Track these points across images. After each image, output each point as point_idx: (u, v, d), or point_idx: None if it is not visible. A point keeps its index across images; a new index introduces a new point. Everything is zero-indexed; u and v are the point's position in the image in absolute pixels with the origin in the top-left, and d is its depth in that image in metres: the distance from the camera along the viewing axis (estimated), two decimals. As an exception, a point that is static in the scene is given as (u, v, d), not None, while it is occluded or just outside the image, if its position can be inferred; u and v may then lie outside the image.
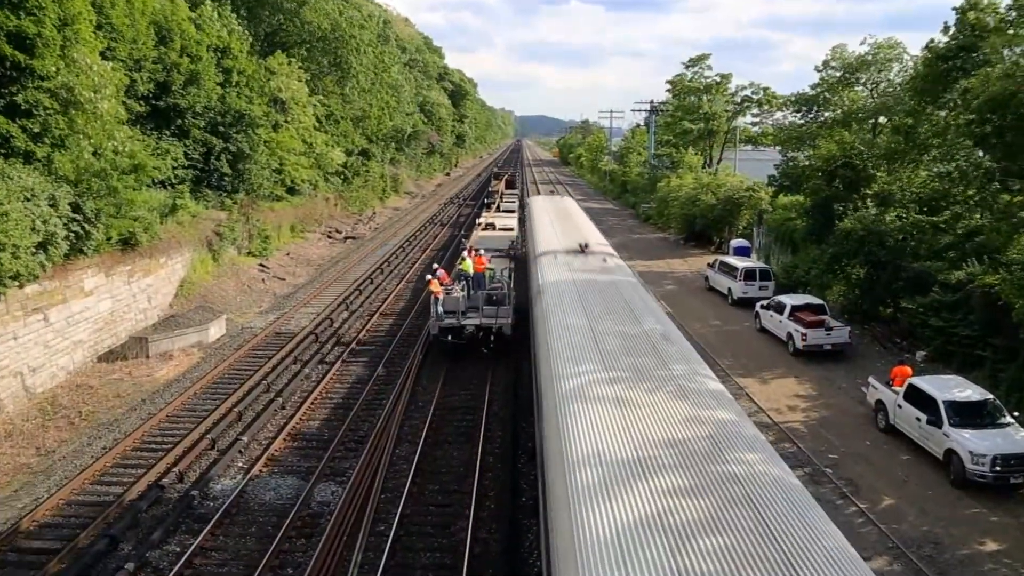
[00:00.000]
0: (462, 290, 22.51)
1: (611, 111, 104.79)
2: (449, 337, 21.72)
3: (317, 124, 47.05)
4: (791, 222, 33.33)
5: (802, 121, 44.14)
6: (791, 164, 35.56)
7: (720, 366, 21.29)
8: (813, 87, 42.34)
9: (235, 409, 17.95)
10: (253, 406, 18.44)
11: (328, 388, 20.02)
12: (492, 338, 21.75)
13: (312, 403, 18.75)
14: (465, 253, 24.48)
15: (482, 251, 25.37)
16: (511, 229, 35.91)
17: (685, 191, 46.45)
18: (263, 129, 36.94)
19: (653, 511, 6.46)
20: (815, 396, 19.57)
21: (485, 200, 54.76)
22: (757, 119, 57.88)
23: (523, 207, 41.95)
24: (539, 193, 66.20)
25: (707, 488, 6.85)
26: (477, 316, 21.78)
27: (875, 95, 38.94)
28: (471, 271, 23.48)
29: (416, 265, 37.20)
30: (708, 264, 32.97)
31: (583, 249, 21.25)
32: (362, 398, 19.02)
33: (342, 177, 53.41)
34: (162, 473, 14.69)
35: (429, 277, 22.58)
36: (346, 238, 46.26)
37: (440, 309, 21.69)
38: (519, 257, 30.13)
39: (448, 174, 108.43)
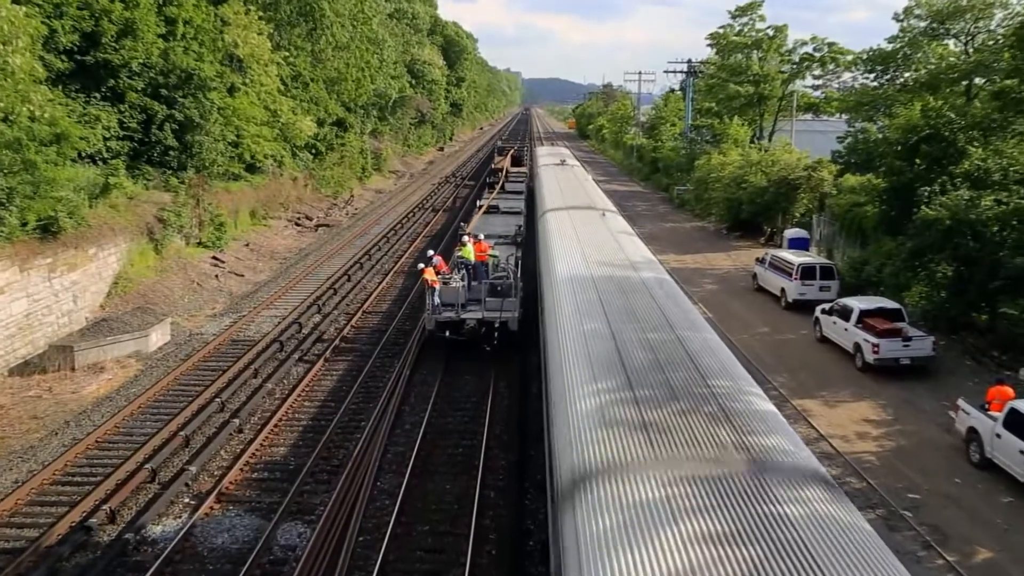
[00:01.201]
0: (462, 279, 23.22)
1: (639, 73, 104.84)
2: (447, 333, 22.43)
3: (282, 87, 47.18)
4: (860, 208, 33.15)
5: (876, 84, 44.01)
6: (861, 137, 35.42)
7: (772, 383, 21.24)
8: (891, 41, 42.20)
9: (181, 433, 17.92)
10: (203, 429, 18.45)
11: (295, 407, 20.02)
12: (496, 334, 22.35)
13: (276, 425, 18.74)
14: (465, 238, 24.83)
15: (482, 236, 26.05)
16: (518, 212, 35.95)
17: (729, 170, 46.37)
18: (216, 93, 37.02)
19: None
20: (890, 421, 19.45)
21: (487, 179, 54.92)
22: (820, 82, 57.79)
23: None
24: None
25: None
26: (479, 309, 22.53)
27: (970, 50, 38.59)
28: (472, 258, 24.19)
29: (403, 259, 37.35)
30: (757, 259, 32.92)
31: (562, 163, 43.89)
32: (337, 419, 19.01)
33: (313, 152, 53.57)
34: (89, 512, 14.64)
35: (422, 266, 23.34)
36: (318, 226, 46.38)
37: (437, 300, 22.35)
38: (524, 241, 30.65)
39: (442, 149, 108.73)
